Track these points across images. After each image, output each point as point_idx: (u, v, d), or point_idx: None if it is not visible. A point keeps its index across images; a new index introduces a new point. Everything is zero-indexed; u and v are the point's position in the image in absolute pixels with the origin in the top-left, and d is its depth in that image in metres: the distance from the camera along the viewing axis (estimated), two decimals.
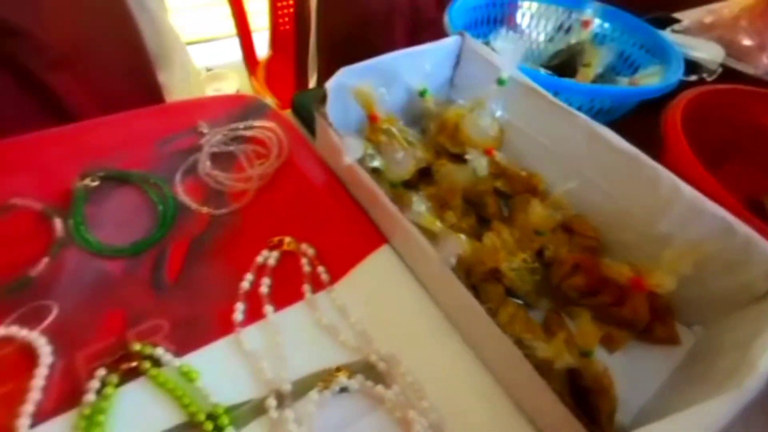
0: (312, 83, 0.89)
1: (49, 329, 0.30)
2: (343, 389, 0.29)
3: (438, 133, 0.42)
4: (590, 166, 0.37)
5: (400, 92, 0.44)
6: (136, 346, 0.29)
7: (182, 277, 0.34)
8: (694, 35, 0.69)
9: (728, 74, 0.64)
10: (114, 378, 0.28)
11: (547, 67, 0.55)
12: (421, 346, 0.31)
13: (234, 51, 1.31)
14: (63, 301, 0.31)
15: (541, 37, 0.63)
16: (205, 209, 0.39)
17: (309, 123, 0.47)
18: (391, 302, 0.33)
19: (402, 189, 0.36)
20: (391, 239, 0.35)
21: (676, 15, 0.77)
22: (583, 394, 0.27)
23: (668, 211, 0.33)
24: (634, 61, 0.54)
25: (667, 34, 0.64)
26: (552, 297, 0.35)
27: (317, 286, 0.34)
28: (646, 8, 0.61)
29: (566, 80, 0.46)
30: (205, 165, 0.42)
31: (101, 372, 0.28)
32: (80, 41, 0.57)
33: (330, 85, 0.37)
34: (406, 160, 0.34)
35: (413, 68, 0.43)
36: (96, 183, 0.39)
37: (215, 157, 0.43)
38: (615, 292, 0.32)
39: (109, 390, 0.27)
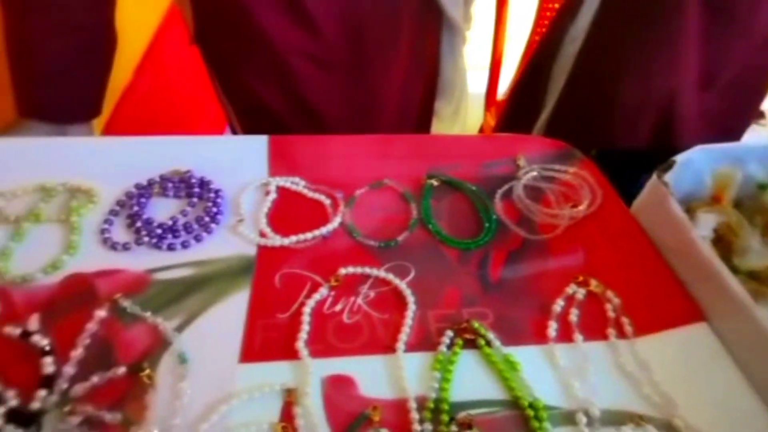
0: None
1: (409, 285, 0.39)
2: None
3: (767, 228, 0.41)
4: None
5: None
6: (475, 324, 0.36)
7: (502, 280, 0.41)
8: None
9: None
10: (460, 341, 0.35)
11: None
12: None
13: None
14: (417, 267, 0.41)
15: None
16: (521, 231, 0.45)
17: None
18: (704, 381, 0.34)
19: (745, 277, 0.36)
20: (716, 320, 0.36)
21: None
22: None
23: None
24: None
25: None
26: None
27: (620, 333, 0.37)
28: None
29: None
30: (520, 193, 0.49)
31: (449, 333, 0.36)
32: (401, 66, 0.69)
33: (681, 158, 0.40)
34: (764, 252, 0.34)
35: (760, 160, 0.42)
36: (437, 183, 0.50)
37: (526, 189, 0.50)
38: None
39: (456, 348, 0.35)
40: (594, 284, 0.40)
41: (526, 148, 0.54)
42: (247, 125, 0.69)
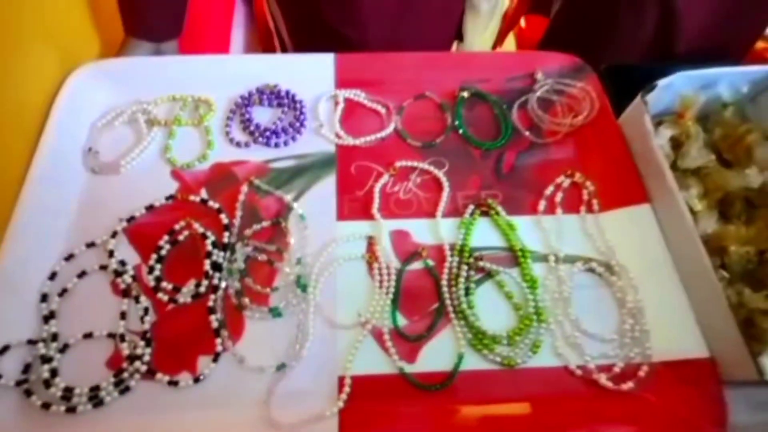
0: None
1: (445, 174, 0.56)
2: (590, 270, 0.50)
3: (721, 139, 0.54)
4: None
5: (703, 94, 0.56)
6: (490, 201, 0.54)
7: (513, 172, 0.57)
8: None
9: None
10: (478, 211, 0.53)
11: None
12: (648, 276, 0.49)
13: None
14: (450, 161, 0.57)
15: None
16: (530, 135, 0.60)
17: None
18: (638, 241, 0.51)
19: (680, 173, 0.51)
20: (656, 202, 0.52)
21: None
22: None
23: None
24: None
25: None
26: (753, 288, 0.49)
27: (589, 210, 0.54)
28: None
29: None
30: (533, 104, 0.62)
31: (471, 206, 0.53)
32: None
33: (662, 82, 0.52)
34: (699, 157, 0.49)
35: (731, 84, 0.54)
36: (468, 95, 0.63)
37: (540, 100, 0.63)
38: None
39: (476, 216, 0.53)
40: (578, 176, 0.56)
41: (545, 63, 0.65)
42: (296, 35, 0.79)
